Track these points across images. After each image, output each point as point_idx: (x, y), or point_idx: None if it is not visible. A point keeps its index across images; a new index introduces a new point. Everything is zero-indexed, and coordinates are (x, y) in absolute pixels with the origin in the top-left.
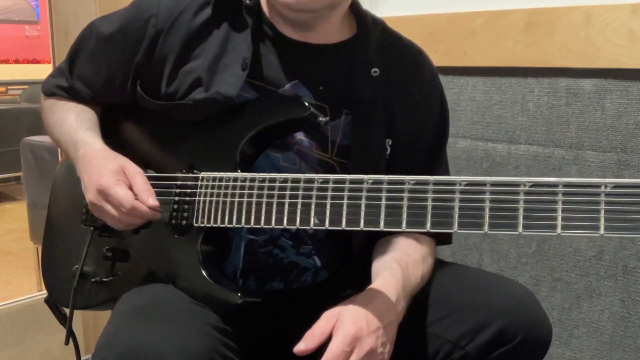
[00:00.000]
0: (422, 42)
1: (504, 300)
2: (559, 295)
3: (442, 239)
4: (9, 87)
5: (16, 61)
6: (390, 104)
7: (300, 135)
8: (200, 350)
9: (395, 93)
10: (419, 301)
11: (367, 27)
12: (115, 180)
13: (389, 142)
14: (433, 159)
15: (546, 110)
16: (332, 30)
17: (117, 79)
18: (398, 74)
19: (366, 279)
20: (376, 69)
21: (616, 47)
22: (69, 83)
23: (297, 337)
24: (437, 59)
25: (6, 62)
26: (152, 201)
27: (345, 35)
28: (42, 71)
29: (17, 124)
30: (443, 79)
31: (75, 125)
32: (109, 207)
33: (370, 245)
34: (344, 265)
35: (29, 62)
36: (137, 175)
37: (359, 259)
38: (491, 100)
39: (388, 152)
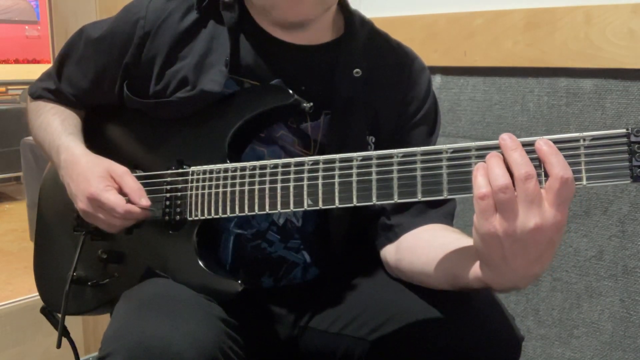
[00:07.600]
0: (422, 42)
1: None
2: (559, 295)
3: None
4: (9, 87)
5: (16, 61)
6: (373, 103)
7: (283, 131)
8: (208, 340)
9: (379, 92)
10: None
11: (354, 27)
12: (105, 186)
13: (372, 139)
14: None
15: (546, 110)
16: (322, 30)
17: (106, 81)
18: (382, 74)
19: (357, 278)
20: (358, 70)
21: (616, 47)
22: (56, 86)
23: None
24: (437, 59)
25: (6, 62)
26: (144, 201)
27: (333, 36)
28: (42, 71)
29: (17, 124)
30: (443, 79)
31: (60, 129)
32: (101, 214)
33: (354, 243)
34: (335, 264)
35: (29, 62)
36: (125, 175)
37: (348, 258)
38: (491, 100)
39: (372, 148)
